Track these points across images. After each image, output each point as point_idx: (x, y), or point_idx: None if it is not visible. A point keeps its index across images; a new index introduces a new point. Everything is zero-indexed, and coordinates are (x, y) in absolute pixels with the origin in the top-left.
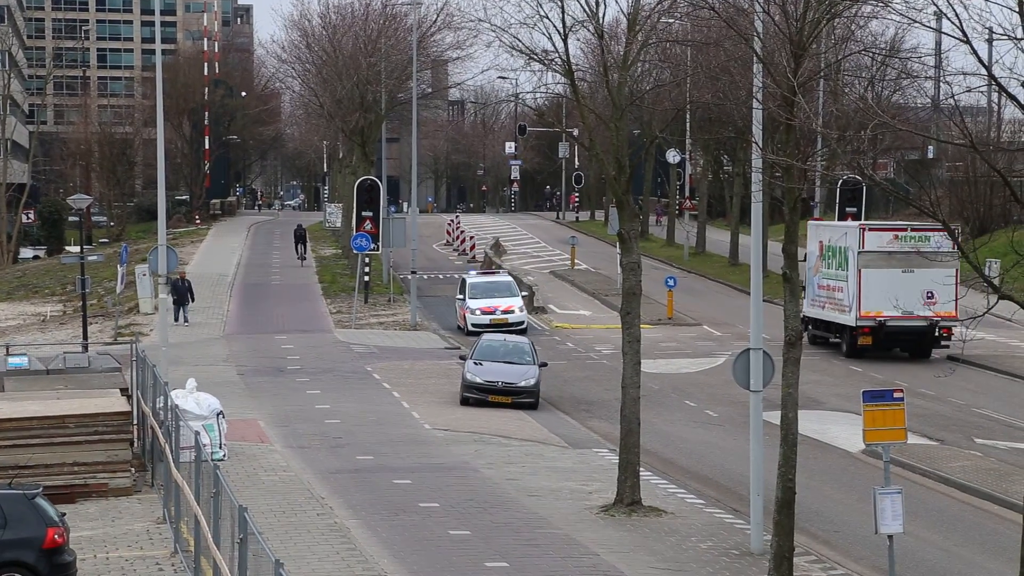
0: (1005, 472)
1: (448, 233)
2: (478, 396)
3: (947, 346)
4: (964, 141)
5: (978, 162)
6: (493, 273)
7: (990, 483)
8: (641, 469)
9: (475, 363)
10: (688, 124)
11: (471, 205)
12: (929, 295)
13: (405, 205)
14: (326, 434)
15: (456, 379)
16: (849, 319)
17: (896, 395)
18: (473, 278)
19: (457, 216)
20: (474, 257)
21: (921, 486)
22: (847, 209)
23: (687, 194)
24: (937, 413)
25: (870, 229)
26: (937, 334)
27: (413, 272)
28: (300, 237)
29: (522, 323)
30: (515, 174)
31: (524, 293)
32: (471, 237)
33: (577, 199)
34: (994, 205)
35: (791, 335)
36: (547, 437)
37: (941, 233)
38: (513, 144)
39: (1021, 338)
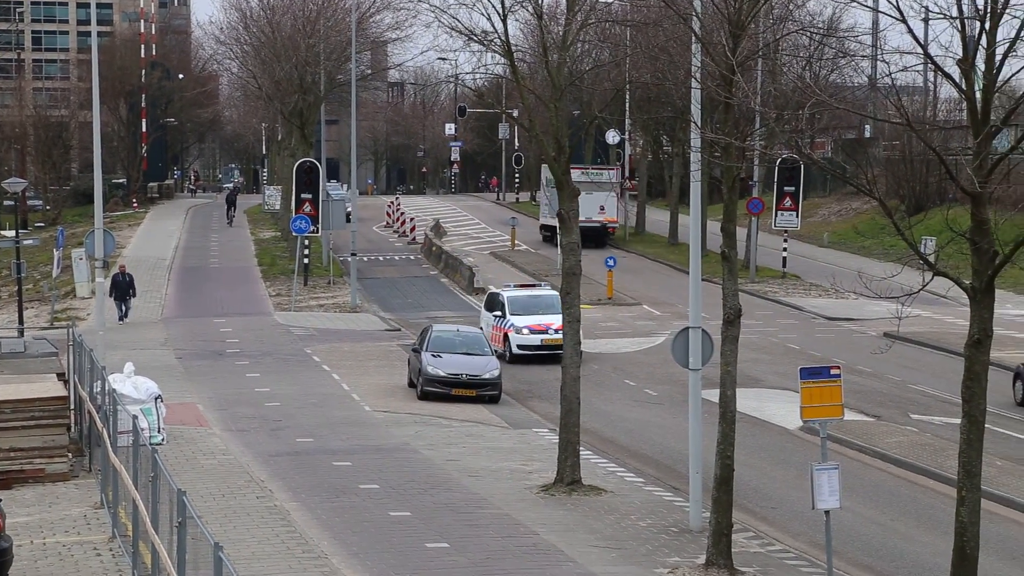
0: (940, 447)
1: (388, 215)
2: (440, 390)
3: (612, 238)
4: (900, 120)
5: (914, 141)
6: (534, 286)
7: (926, 458)
8: (581, 448)
9: (433, 355)
10: (627, 104)
11: (411, 187)
12: (601, 208)
13: (345, 187)
14: (266, 417)
15: (396, 361)
16: (548, 220)
17: (833, 372)
18: (511, 292)
19: (397, 198)
20: (414, 239)
21: (858, 462)
22: (785, 188)
23: (627, 174)
24: (874, 389)
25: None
26: (605, 232)
27: (353, 254)
28: (232, 201)
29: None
30: (455, 155)
31: None
32: (411, 219)
33: (498, 182)
34: (930, 183)
35: (730, 313)
36: (487, 418)
37: (609, 170)
38: (453, 125)
39: (956, 315)
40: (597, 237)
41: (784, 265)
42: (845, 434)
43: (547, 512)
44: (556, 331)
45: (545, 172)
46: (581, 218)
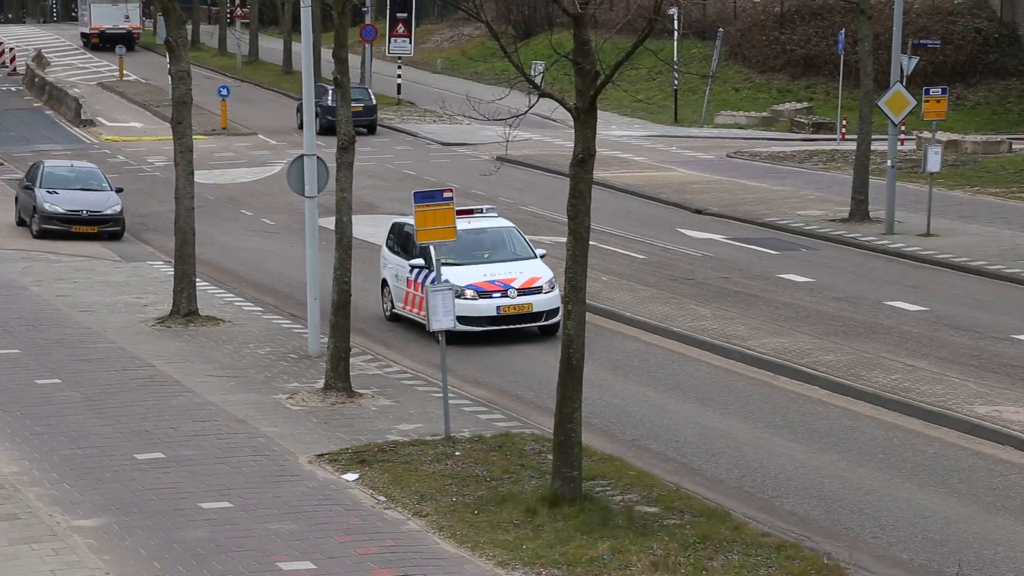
0: (551, 266)
1: None
2: (59, 227)
3: (138, 37)
4: None
5: None
6: (472, 214)
7: None
8: (197, 280)
9: (49, 192)
10: None
11: (10, 16)
12: (126, 17)
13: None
14: None
15: (1, 196)
16: (86, 29)
17: (446, 195)
18: None
19: None
20: (15, 70)
21: None
22: (398, 15)
23: (238, 2)
24: None
25: None
26: (131, 36)
27: None
28: None
29: (555, 311)
30: None
31: (542, 252)
32: (11, 49)
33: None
34: (537, 8)
35: (344, 139)
36: (99, 252)
37: None
38: None
39: (564, 137)
40: (125, 41)
41: (399, 92)
42: None
43: (163, 344)
44: (521, 290)
45: None
46: (108, 25)
